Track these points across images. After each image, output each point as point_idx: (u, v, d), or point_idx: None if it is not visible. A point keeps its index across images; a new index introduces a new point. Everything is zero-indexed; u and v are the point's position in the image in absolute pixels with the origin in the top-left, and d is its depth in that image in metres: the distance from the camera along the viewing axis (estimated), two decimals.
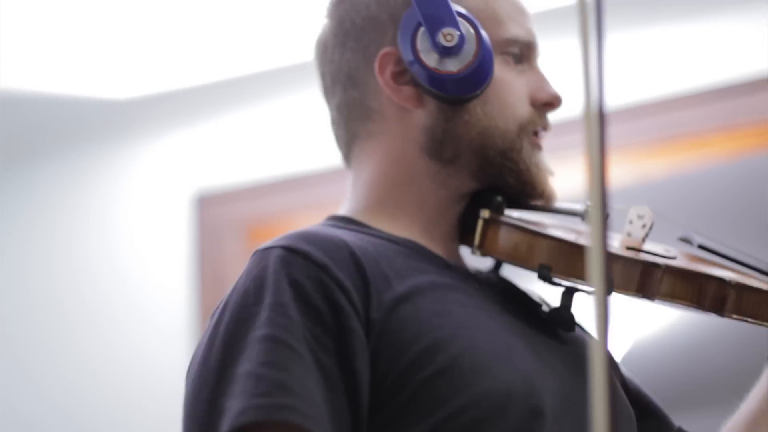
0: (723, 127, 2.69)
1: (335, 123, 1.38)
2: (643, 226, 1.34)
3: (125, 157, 3.06)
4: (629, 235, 1.34)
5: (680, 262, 1.29)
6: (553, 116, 1.36)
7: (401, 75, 1.30)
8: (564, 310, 1.26)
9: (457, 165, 1.30)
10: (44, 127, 3.09)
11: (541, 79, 1.34)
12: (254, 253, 1.17)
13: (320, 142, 2.82)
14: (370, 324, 1.13)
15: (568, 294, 1.26)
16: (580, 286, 1.25)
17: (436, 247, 1.29)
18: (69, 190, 3.08)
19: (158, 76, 2.94)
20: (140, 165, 3.05)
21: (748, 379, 1.40)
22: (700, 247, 1.38)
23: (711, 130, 2.70)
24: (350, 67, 1.34)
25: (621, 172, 2.65)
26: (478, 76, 1.27)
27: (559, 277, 1.24)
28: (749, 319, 1.29)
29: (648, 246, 1.32)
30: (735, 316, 1.28)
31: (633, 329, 4.76)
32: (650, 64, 2.80)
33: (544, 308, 1.29)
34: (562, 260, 1.23)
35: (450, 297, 1.21)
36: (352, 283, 1.14)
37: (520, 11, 1.35)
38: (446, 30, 1.26)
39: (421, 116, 1.31)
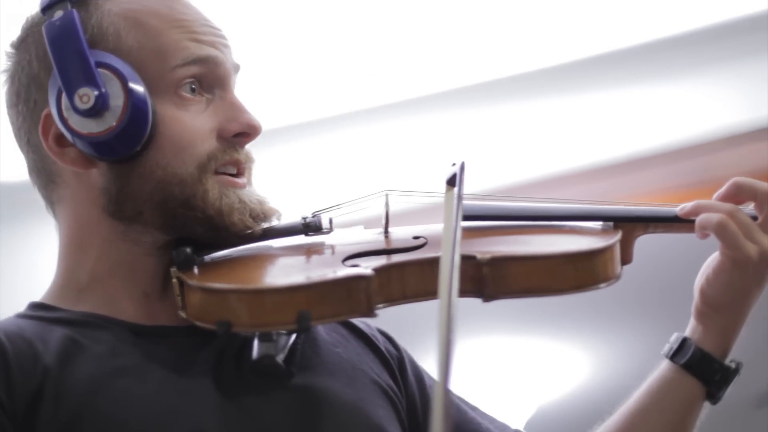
0: (702, 181, 2.83)
1: (36, 188, 1.29)
2: (384, 215, 1.28)
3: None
4: (382, 228, 1.28)
5: (405, 255, 1.19)
6: None
7: (63, 137, 1.21)
8: (265, 359, 1.17)
9: (142, 222, 1.21)
10: None
11: (232, 107, 1.24)
12: None
13: None
14: (15, 409, 1.10)
15: (264, 342, 1.17)
16: (273, 330, 1.17)
17: (127, 313, 1.21)
18: None
19: None
20: None
21: None
22: (465, 218, 1.23)
23: (692, 185, 2.84)
24: (24, 130, 1.26)
25: None
26: (131, 131, 1.18)
27: (242, 330, 1.15)
28: (526, 295, 1.18)
29: (396, 237, 1.25)
30: (502, 296, 1.17)
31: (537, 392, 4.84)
32: (632, 120, 2.93)
33: (252, 361, 1.18)
34: (243, 310, 1.14)
35: (112, 367, 1.14)
36: None
37: (202, 32, 1.24)
38: (81, 91, 1.17)
39: (96, 176, 1.22)
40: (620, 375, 5.07)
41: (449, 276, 0.97)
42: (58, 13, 1.20)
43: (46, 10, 1.22)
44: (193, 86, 1.23)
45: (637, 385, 1.32)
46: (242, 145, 1.24)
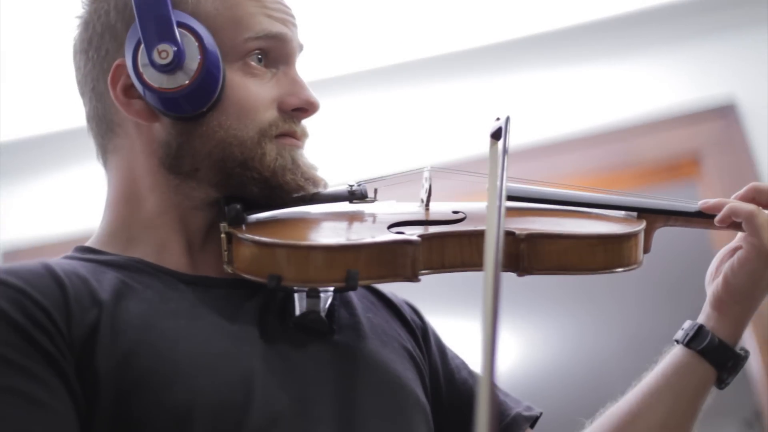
0: (623, 164, 2.88)
1: (91, 135, 1.34)
2: (426, 190, 1.34)
3: None
4: (422, 201, 1.34)
5: (447, 227, 1.24)
6: None
7: (132, 88, 1.26)
8: (311, 315, 1.22)
9: (198, 178, 1.26)
10: None
11: (294, 83, 1.29)
12: None
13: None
14: (72, 340, 1.11)
15: (311, 298, 1.22)
16: (320, 288, 1.21)
17: (173, 261, 1.26)
18: None
19: None
20: None
21: None
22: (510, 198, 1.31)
23: (612, 168, 2.87)
24: (92, 77, 1.30)
25: None
26: (201, 91, 1.22)
27: (291, 284, 1.19)
28: (559, 272, 1.25)
29: (436, 210, 1.30)
30: (536, 272, 1.24)
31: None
32: (555, 104, 2.95)
33: (297, 316, 1.23)
34: (292, 266, 1.18)
35: (164, 309, 1.18)
36: (51, 303, 1.12)
37: (275, 8, 1.29)
38: (161, 47, 1.21)
39: (158, 130, 1.27)
40: (545, 358, 5.14)
41: (496, 234, 1.01)
42: None
43: None
44: (260, 57, 1.28)
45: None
46: (300, 119, 1.30)
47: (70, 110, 2.86)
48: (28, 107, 2.92)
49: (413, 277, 1.20)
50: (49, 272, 1.17)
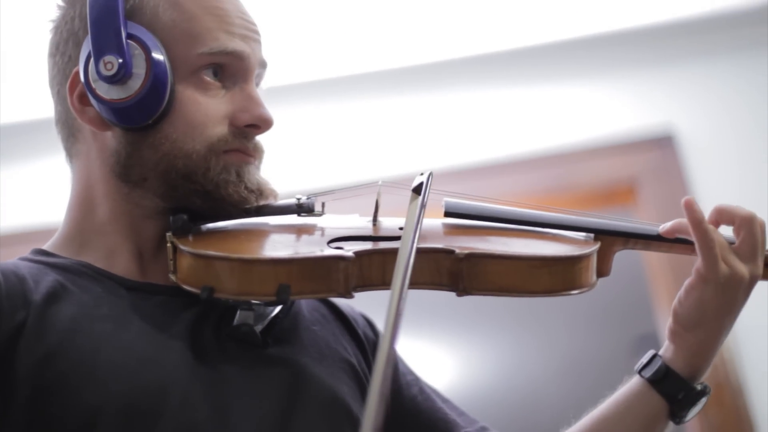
0: (560, 189, 2.88)
1: (60, 138, 1.36)
2: (375, 204, 1.34)
3: None
4: (373, 218, 1.33)
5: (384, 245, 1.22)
6: None
7: (86, 96, 1.27)
8: (243, 327, 1.23)
9: (146, 187, 1.28)
10: None
11: (248, 99, 1.29)
12: None
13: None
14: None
15: (244, 310, 1.23)
16: (253, 300, 1.22)
17: (122, 267, 1.27)
18: None
19: None
20: None
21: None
22: (447, 213, 1.32)
23: (549, 192, 2.88)
24: (57, 81, 1.33)
25: None
26: (146, 103, 1.24)
27: (224, 296, 1.20)
28: (500, 293, 1.22)
29: (384, 226, 1.30)
30: (475, 292, 1.21)
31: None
32: (496, 125, 2.96)
33: (230, 327, 1.24)
34: (225, 278, 1.19)
35: (92, 314, 1.19)
36: None
37: (236, 24, 1.30)
38: (107, 58, 1.23)
39: (110, 139, 1.28)
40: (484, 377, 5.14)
41: (402, 277, 1.01)
42: None
43: None
44: (216, 71, 1.28)
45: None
46: (253, 135, 1.30)
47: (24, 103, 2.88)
48: (25, 93, 2.88)
49: (346, 294, 1.19)
50: None
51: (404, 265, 1.03)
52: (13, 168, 3.01)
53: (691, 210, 1.28)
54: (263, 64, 1.34)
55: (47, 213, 2.90)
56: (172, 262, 1.23)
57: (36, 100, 2.85)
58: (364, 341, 1.41)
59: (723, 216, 1.32)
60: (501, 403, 4.95)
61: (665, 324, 2.69)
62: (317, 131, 2.97)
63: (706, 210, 1.95)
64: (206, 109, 1.27)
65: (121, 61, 1.23)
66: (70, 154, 1.35)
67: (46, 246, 1.32)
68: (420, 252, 1.16)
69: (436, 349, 4.86)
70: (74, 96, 1.29)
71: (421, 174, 1.25)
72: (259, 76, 1.34)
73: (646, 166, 2.86)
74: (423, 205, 1.18)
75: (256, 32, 1.32)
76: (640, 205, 2.84)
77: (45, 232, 2.72)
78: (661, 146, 2.87)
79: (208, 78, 1.28)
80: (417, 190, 1.23)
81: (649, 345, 4.61)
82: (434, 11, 2.83)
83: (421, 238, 1.21)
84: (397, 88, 2.98)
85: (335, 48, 2.90)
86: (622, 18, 2.93)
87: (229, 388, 1.20)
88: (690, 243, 1.30)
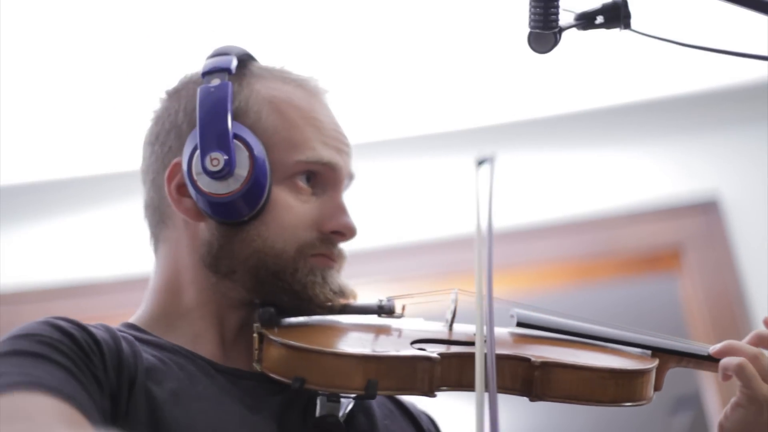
0: (604, 253, 2.89)
1: (146, 222, 1.41)
2: (451, 311, 1.38)
3: None
4: (447, 321, 1.38)
5: (460, 348, 1.28)
6: None
7: (185, 187, 1.32)
8: (330, 418, 1.26)
9: (234, 279, 1.32)
10: None
11: (335, 208, 1.35)
12: None
13: (109, 252, 2.98)
14: (119, 379, 1.17)
15: (331, 402, 1.26)
16: (341, 393, 1.25)
17: (207, 351, 1.31)
18: None
19: None
20: None
21: None
22: (519, 324, 1.39)
23: (593, 256, 2.90)
24: (153, 169, 1.38)
25: (510, 291, 2.79)
26: (245, 201, 1.29)
27: (314, 387, 1.23)
28: (569, 401, 1.28)
29: (459, 331, 1.35)
30: (547, 399, 1.27)
31: None
32: (540, 189, 2.98)
33: (317, 417, 1.27)
34: (317, 370, 1.23)
35: (192, 391, 1.23)
36: (104, 341, 1.19)
37: (332, 136, 1.36)
38: (214, 154, 1.28)
39: (203, 229, 1.33)
40: None
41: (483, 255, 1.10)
42: (215, 81, 1.33)
43: (206, 74, 1.34)
44: (308, 177, 1.35)
45: None
46: (337, 242, 1.35)
47: (71, 159, 2.93)
48: (31, 152, 2.95)
49: (429, 393, 1.24)
50: (105, 326, 1.24)
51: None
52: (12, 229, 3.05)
53: (725, 350, 1.35)
54: (351, 176, 1.40)
55: (45, 272, 2.97)
56: (257, 351, 1.27)
57: (33, 162, 2.92)
58: None
59: (762, 342, 1.38)
60: None
61: (706, 384, 2.69)
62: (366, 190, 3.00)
63: (752, 269, 1.93)
64: (298, 212, 1.33)
65: (226, 158, 1.28)
66: (157, 238, 1.39)
67: (133, 321, 1.37)
68: (497, 358, 1.22)
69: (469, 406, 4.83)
70: (172, 185, 1.34)
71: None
72: (346, 187, 1.40)
73: (690, 231, 2.87)
74: (491, 181, 1.21)
75: (348, 145, 1.39)
76: (684, 271, 2.85)
77: (43, 292, 2.83)
78: (706, 212, 2.88)
79: (302, 184, 1.34)
80: (481, 162, 1.25)
81: (688, 405, 4.56)
82: (481, 76, 2.86)
83: (497, 345, 1.29)
84: (443, 150, 3.00)
85: (388, 109, 2.94)
86: (668, 85, 2.96)
87: None
88: None
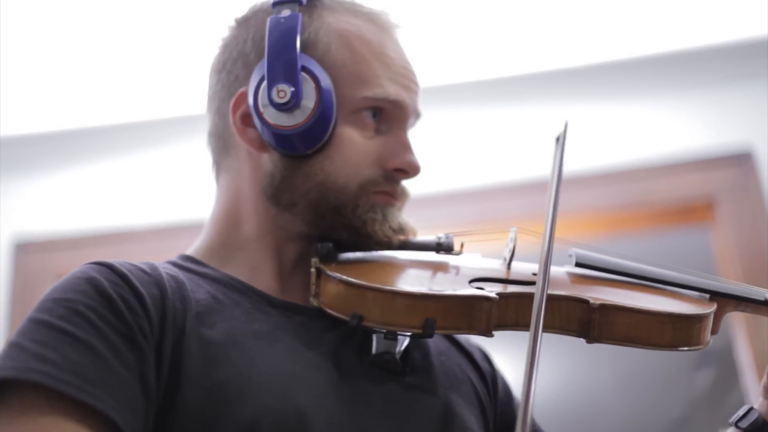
0: (637, 205, 2.89)
1: (209, 150, 1.41)
2: (510, 249, 1.38)
3: None
4: (504, 259, 1.37)
5: (520, 288, 1.27)
6: None
7: (250, 117, 1.33)
8: (386, 356, 1.25)
9: (294, 212, 1.32)
10: None
11: (400, 145, 1.34)
12: None
13: (140, 201, 2.99)
14: (161, 333, 1.16)
15: (388, 339, 1.26)
16: (399, 331, 1.25)
17: (264, 284, 1.31)
18: None
19: None
20: None
21: None
22: (578, 264, 1.38)
23: (626, 208, 2.89)
24: (219, 97, 1.37)
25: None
26: (310, 134, 1.29)
27: (372, 325, 1.23)
28: (626, 344, 1.27)
29: (517, 270, 1.34)
30: (604, 341, 1.26)
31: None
32: (573, 140, 2.96)
33: (373, 354, 1.27)
34: (374, 308, 1.22)
35: (247, 328, 1.22)
36: (148, 293, 1.17)
37: (400, 73, 1.35)
38: (281, 86, 1.28)
39: (266, 161, 1.33)
40: None
41: (550, 224, 1.14)
42: (286, 12, 1.32)
43: (276, 4, 1.34)
44: (375, 113, 1.33)
45: None
46: (400, 179, 1.35)
47: (89, 109, 2.94)
48: (56, 101, 2.95)
49: (487, 332, 1.23)
50: (154, 271, 1.23)
51: (552, 207, 1.14)
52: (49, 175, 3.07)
53: None
54: (417, 115, 1.39)
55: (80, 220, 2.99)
56: (314, 286, 1.28)
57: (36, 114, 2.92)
58: (484, 372, 1.45)
59: None
60: (559, 415, 4.95)
61: (738, 338, 2.69)
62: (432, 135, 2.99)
63: None
64: (362, 148, 1.32)
65: (293, 90, 1.27)
66: (220, 166, 1.39)
67: (191, 252, 1.36)
68: (554, 299, 1.25)
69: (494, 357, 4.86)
70: (237, 115, 1.34)
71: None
72: (412, 125, 1.39)
73: (723, 183, 2.85)
74: (563, 149, 1.25)
75: (416, 84, 1.38)
76: (717, 222, 2.84)
77: (80, 240, 2.85)
78: (740, 163, 2.86)
79: (368, 119, 1.33)
80: (558, 139, 1.29)
81: (713, 360, 4.57)
82: (519, 24, 2.85)
83: (552, 285, 1.28)
84: (482, 99, 3.00)
85: (450, 54, 2.92)
86: (702, 35, 2.93)
87: (371, 411, 1.23)
88: None
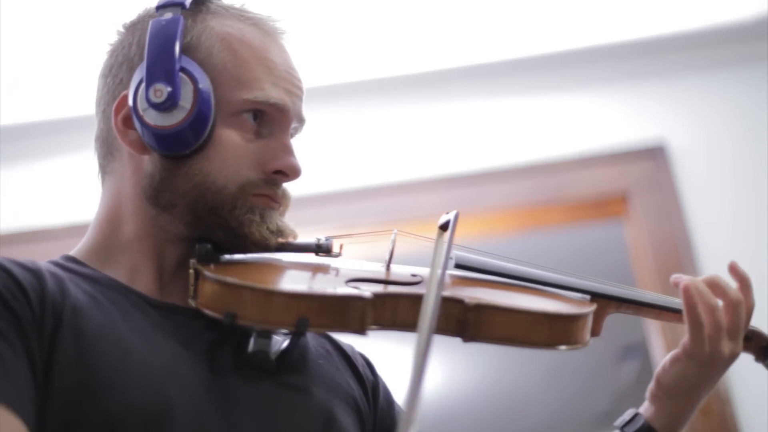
0: (551, 199, 2.91)
1: (96, 155, 1.42)
2: (390, 250, 1.40)
3: None
4: (385, 261, 1.39)
5: (399, 288, 1.29)
6: None
7: (130, 119, 1.33)
8: (260, 354, 1.27)
9: (173, 213, 1.33)
10: None
11: (280, 148, 1.35)
12: None
13: (67, 198, 2.93)
14: (41, 321, 1.17)
15: (262, 338, 1.27)
16: (273, 329, 1.27)
17: (143, 285, 1.32)
18: None
19: None
20: None
21: None
22: (458, 266, 1.40)
23: (540, 202, 2.91)
24: (104, 101, 1.38)
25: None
26: (187, 134, 1.30)
27: (245, 323, 1.24)
28: (503, 343, 1.28)
29: (396, 271, 1.36)
30: (480, 340, 1.27)
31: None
32: (486, 135, 2.98)
33: (247, 353, 1.28)
34: (248, 306, 1.23)
35: (123, 325, 1.23)
36: (28, 283, 1.19)
37: (283, 77, 1.36)
38: (157, 86, 1.29)
39: (147, 162, 1.34)
40: None
41: (429, 312, 1.08)
42: (168, 15, 1.35)
43: (159, 8, 1.36)
44: (256, 116, 1.35)
45: None
46: (281, 182, 1.36)
47: (72, 98, 2.88)
48: (29, 94, 2.91)
49: (361, 331, 1.25)
50: (33, 265, 1.24)
51: (431, 303, 1.10)
52: (13, 169, 3.02)
53: (688, 295, 1.37)
54: (301, 120, 1.40)
55: (45, 215, 2.95)
56: (192, 287, 1.29)
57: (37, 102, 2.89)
58: (364, 379, 1.46)
59: (715, 290, 1.39)
60: (486, 410, 4.98)
61: (652, 333, 2.73)
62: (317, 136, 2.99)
63: (698, 215, 1.87)
64: (241, 150, 1.33)
65: (170, 90, 1.29)
66: (105, 170, 1.40)
67: (73, 253, 1.37)
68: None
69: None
70: (119, 117, 1.35)
71: (448, 213, 1.33)
72: (296, 130, 1.40)
73: (637, 177, 2.88)
74: (450, 242, 1.26)
75: (300, 88, 1.39)
76: (631, 216, 2.87)
77: (40, 233, 2.82)
78: (653, 157, 2.90)
79: (248, 122, 1.34)
80: (444, 227, 1.31)
81: (636, 353, 4.62)
82: (428, 21, 2.85)
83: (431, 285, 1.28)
84: (392, 96, 3.00)
85: (339, 54, 2.92)
86: (616, 31, 2.96)
87: (241, 409, 1.25)
88: (679, 312, 1.39)
